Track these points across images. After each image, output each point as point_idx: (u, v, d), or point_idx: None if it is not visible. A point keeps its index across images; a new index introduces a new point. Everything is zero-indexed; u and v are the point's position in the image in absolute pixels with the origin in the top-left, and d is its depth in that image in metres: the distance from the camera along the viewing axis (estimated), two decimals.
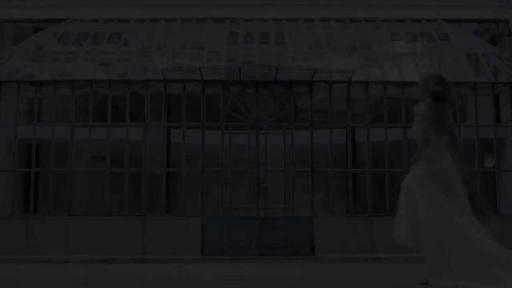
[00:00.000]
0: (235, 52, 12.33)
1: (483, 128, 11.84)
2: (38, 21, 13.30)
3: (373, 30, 12.89)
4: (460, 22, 13.25)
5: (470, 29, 13.29)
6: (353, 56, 12.36)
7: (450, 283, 4.70)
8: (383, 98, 11.80)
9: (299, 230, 11.19)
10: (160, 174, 11.59)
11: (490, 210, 11.70)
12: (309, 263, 10.57)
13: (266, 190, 11.35)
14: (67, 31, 12.87)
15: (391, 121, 11.94)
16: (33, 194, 11.41)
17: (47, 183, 11.47)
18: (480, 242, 4.80)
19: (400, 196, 5.57)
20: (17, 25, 13.42)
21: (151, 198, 11.54)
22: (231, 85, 11.77)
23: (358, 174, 12.21)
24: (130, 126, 11.67)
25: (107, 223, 11.10)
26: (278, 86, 11.79)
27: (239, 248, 11.10)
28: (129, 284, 5.86)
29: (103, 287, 5.51)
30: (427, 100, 5.33)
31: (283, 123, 11.73)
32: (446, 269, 4.82)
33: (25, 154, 12.45)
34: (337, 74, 11.77)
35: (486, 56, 12.23)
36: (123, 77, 11.76)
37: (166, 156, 11.79)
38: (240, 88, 11.77)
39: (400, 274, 7.35)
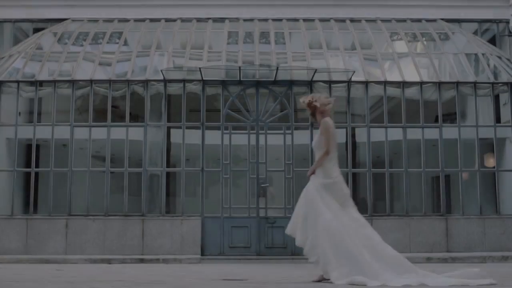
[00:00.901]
0: (235, 52, 12.34)
1: (483, 128, 11.84)
2: (38, 21, 13.32)
3: (373, 30, 12.90)
4: (460, 22, 13.25)
5: (470, 29, 13.29)
6: (353, 56, 12.36)
7: (347, 279, 5.35)
8: (383, 98, 11.80)
9: None
10: (160, 174, 11.59)
11: (490, 210, 11.72)
12: (309, 263, 10.53)
13: (266, 190, 11.35)
14: (67, 31, 12.87)
15: (391, 121, 11.94)
16: (33, 194, 11.42)
17: (47, 183, 11.47)
18: (371, 245, 5.62)
19: (298, 203, 6.04)
20: (17, 25, 13.42)
21: (151, 198, 11.54)
22: (231, 85, 11.77)
23: (358, 174, 12.22)
24: (130, 126, 11.67)
25: (107, 223, 11.11)
26: (278, 86, 11.79)
27: (239, 248, 11.11)
28: (129, 284, 5.85)
29: (103, 287, 5.51)
30: (329, 118, 5.88)
31: (283, 123, 11.73)
32: (342, 267, 5.44)
33: (25, 154, 12.46)
34: (337, 74, 11.78)
35: (486, 56, 12.23)
36: (123, 77, 11.76)
37: (166, 156, 11.79)
38: (240, 88, 11.77)
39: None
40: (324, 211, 5.69)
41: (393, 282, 5.29)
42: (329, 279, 5.55)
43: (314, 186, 5.92)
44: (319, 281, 5.74)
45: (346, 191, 5.96)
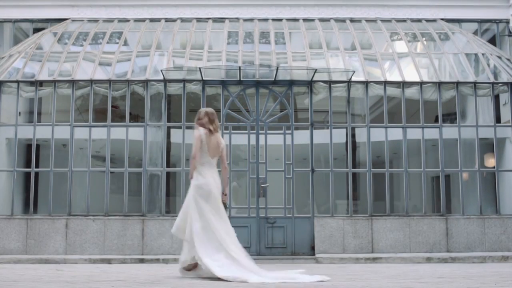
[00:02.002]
0: (235, 52, 12.34)
1: (483, 128, 11.85)
2: (38, 21, 13.32)
3: (373, 30, 12.90)
4: (460, 22, 13.26)
5: (470, 29, 13.30)
6: (353, 56, 12.37)
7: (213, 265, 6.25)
8: (383, 98, 11.81)
9: (299, 230, 11.20)
10: (160, 174, 11.59)
11: (490, 210, 11.73)
12: (309, 263, 10.57)
13: (266, 190, 11.35)
14: (67, 31, 12.88)
15: (391, 121, 11.95)
16: (33, 194, 11.42)
17: (47, 183, 11.47)
18: (225, 239, 6.46)
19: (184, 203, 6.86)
20: (17, 25, 13.43)
21: (151, 198, 11.54)
22: (231, 85, 11.78)
23: (358, 174, 12.22)
24: (130, 126, 11.67)
25: (107, 223, 11.11)
26: (278, 86, 11.80)
27: None
28: (129, 284, 5.85)
29: (103, 287, 5.51)
30: (202, 129, 6.78)
31: (283, 123, 11.74)
32: (206, 254, 6.36)
33: (25, 154, 12.47)
34: (337, 74, 11.78)
35: (486, 56, 12.23)
36: (123, 77, 11.77)
37: (166, 156, 11.79)
38: (240, 88, 11.77)
39: (399, 274, 7.35)
40: (195, 212, 6.55)
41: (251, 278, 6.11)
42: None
43: (191, 188, 6.73)
44: (190, 268, 6.65)
45: (215, 194, 6.66)
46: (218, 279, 6.19)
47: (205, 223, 6.50)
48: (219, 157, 6.89)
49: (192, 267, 6.65)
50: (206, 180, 6.64)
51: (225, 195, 6.89)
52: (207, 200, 6.60)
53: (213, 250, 6.38)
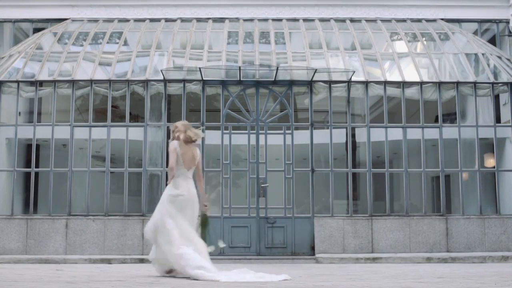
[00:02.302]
0: (235, 52, 12.34)
1: (483, 128, 11.85)
2: (38, 21, 13.32)
3: (373, 30, 12.90)
4: (460, 22, 13.26)
5: (470, 29, 13.30)
6: (353, 56, 12.37)
7: (195, 273, 6.35)
8: (383, 98, 11.81)
9: (299, 230, 11.20)
10: (160, 174, 11.59)
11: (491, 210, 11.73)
12: (309, 263, 10.57)
13: (266, 190, 11.35)
14: (67, 31, 12.88)
15: (391, 121, 11.95)
16: (33, 194, 11.42)
17: (47, 183, 11.47)
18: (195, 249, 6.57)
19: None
20: (17, 25, 13.43)
21: (151, 198, 11.54)
22: (231, 85, 11.78)
23: (358, 174, 12.22)
24: (130, 126, 11.67)
25: (107, 223, 11.11)
26: (278, 86, 11.80)
27: (239, 248, 11.12)
28: (129, 284, 5.86)
29: (103, 287, 5.51)
30: (179, 141, 6.93)
31: (283, 123, 11.74)
32: (182, 262, 6.49)
33: (25, 154, 12.47)
34: (337, 74, 11.78)
35: (486, 56, 12.23)
36: (123, 77, 11.77)
37: (166, 156, 11.79)
38: (240, 88, 11.78)
39: (399, 274, 7.35)
40: (167, 217, 6.71)
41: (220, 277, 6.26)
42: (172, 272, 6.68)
43: (165, 195, 6.91)
44: (169, 272, 6.80)
45: (187, 206, 6.82)
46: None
47: (177, 230, 6.66)
48: (194, 168, 7.03)
49: (170, 270, 6.83)
50: (179, 192, 6.81)
51: (205, 206, 7.07)
52: (180, 211, 6.75)
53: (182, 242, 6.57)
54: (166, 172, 11.71)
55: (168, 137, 11.99)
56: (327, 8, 13.28)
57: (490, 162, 12.59)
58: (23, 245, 10.97)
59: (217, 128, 11.69)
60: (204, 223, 7.14)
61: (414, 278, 6.62)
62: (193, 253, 6.51)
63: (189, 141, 6.96)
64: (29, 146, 11.98)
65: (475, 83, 11.74)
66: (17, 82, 11.70)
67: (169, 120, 11.77)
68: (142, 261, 10.37)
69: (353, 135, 12.30)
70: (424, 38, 12.87)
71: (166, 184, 6.99)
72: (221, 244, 7.74)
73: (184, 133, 6.95)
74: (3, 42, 13.35)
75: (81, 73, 11.85)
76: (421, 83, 11.72)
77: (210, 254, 6.82)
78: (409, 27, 13.03)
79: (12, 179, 11.57)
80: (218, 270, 6.41)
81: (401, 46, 12.82)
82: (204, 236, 7.01)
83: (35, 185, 11.60)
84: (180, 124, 7.13)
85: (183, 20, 13.18)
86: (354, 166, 11.93)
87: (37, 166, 11.54)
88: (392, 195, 12.26)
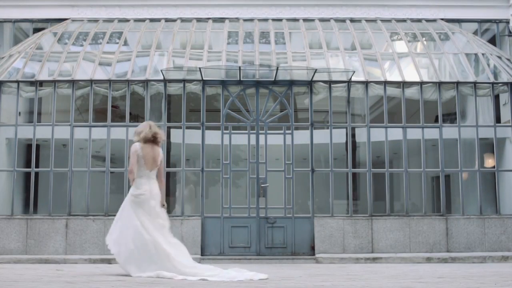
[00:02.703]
0: (235, 52, 12.34)
1: (483, 128, 11.85)
2: (38, 21, 13.32)
3: (373, 30, 12.90)
4: (460, 22, 13.26)
5: (470, 29, 13.30)
6: (353, 56, 12.37)
7: (153, 273, 6.56)
8: (383, 98, 11.81)
9: (299, 230, 11.21)
10: None
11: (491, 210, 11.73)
12: (309, 263, 10.58)
13: (266, 190, 11.36)
14: (67, 31, 12.88)
15: (391, 121, 11.95)
16: (33, 194, 11.41)
17: (47, 183, 11.47)
18: (163, 248, 6.74)
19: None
20: (17, 25, 13.43)
21: None
22: (231, 85, 11.78)
23: (358, 174, 12.22)
24: (130, 126, 11.67)
25: (107, 223, 11.09)
26: (278, 86, 11.80)
27: (239, 248, 11.12)
28: (129, 284, 5.85)
29: (103, 287, 5.51)
30: (140, 142, 7.04)
31: (283, 123, 11.74)
32: (144, 265, 6.72)
33: (25, 154, 12.47)
34: (337, 74, 11.78)
35: (486, 56, 12.23)
36: (123, 77, 11.77)
37: (166, 156, 11.78)
38: (240, 88, 11.78)
39: (399, 274, 7.35)
40: (132, 218, 6.90)
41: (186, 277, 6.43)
42: (132, 275, 6.71)
43: (128, 196, 7.08)
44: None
45: (153, 204, 7.00)
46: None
47: (138, 234, 6.84)
48: (157, 168, 7.16)
49: None
50: (141, 192, 6.96)
51: (163, 205, 7.20)
52: (145, 210, 6.93)
53: (144, 258, 6.74)
54: (167, 172, 11.76)
55: (168, 137, 12.02)
56: (327, 8, 13.28)
57: (490, 162, 12.59)
58: (23, 245, 10.97)
59: (217, 128, 11.70)
60: None
61: (414, 278, 6.62)
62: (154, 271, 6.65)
63: (148, 140, 7.02)
64: (29, 146, 11.98)
65: (475, 83, 11.74)
66: (17, 82, 11.70)
67: (169, 120, 11.78)
68: None
69: (353, 135, 12.31)
70: (424, 38, 12.87)
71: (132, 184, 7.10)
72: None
73: (145, 134, 7.04)
74: (3, 42, 13.35)
75: (81, 73, 11.85)
76: (421, 83, 11.72)
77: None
78: (409, 27, 13.03)
79: (12, 179, 11.57)
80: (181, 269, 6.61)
81: (401, 46, 12.82)
82: None
83: (35, 185, 11.60)
84: (143, 124, 7.24)
85: (183, 20, 13.18)
86: (354, 166, 11.93)
87: (37, 166, 11.54)
88: (392, 195, 12.26)
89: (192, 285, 5.72)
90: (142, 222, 6.85)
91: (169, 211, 12.10)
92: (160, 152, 7.15)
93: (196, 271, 6.55)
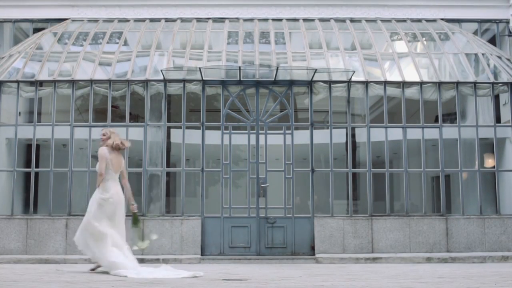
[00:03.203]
0: (235, 52, 12.34)
1: (483, 128, 11.85)
2: (38, 21, 13.32)
3: (373, 30, 12.90)
4: (460, 22, 13.26)
5: (470, 29, 13.30)
6: (353, 56, 12.37)
7: (114, 272, 7.03)
8: (383, 98, 11.81)
9: (299, 230, 11.21)
10: (160, 174, 11.59)
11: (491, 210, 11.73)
12: (309, 263, 10.58)
13: (266, 190, 11.36)
14: (67, 31, 12.88)
15: (391, 121, 11.95)
16: (33, 194, 11.41)
17: (47, 183, 11.47)
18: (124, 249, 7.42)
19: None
20: (17, 25, 13.43)
21: (151, 198, 11.54)
22: (231, 85, 11.78)
23: (358, 174, 12.22)
24: (130, 126, 11.67)
25: None
26: (278, 86, 11.80)
27: (239, 248, 11.12)
28: (129, 284, 5.86)
29: (103, 287, 5.51)
30: (108, 147, 7.62)
31: (283, 123, 11.74)
32: (110, 263, 7.17)
33: (25, 154, 12.47)
34: (337, 74, 11.78)
35: (486, 56, 12.23)
36: (123, 77, 11.77)
37: (166, 156, 11.80)
38: (240, 88, 11.78)
39: (399, 274, 7.35)
40: (94, 219, 7.37)
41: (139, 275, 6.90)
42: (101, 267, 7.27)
43: (94, 198, 7.58)
44: (95, 268, 7.52)
45: (117, 207, 7.54)
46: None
47: (103, 231, 7.33)
48: (120, 172, 7.74)
49: (96, 267, 7.52)
50: (110, 195, 7.48)
51: (133, 205, 7.81)
52: (110, 213, 7.45)
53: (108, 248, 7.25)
54: (166, 172, 11.80)
55: (168, 137, 12.02)
56: (327, 8, 13.28)
57: (490, 162, 12.59)
58: (23, 245, 10.96)
59: (217, 128, 11.70)
60: (135, 221, 7.93)
61: (414, 278, 6.62)
62: (121, 256, 7.23)
63: (117, 148, 7.67)
64: (29, 146, 11.97)
65: (475, 83, 11.74)
66: (17, 82, 11.70)
67: (169, 120, 11.78)
68: (142, 261, 10.35)
69: (353, 135, 12.30)
70: (424, 38, 12.87)
71: (98, 186, 7.55)
72: (154, 237, 8.92)
73: (114, 141, 7.64)
74: (3, 42, 13.35)
75: (81, 73, 11.85)
76: (421, 83, 11.72)
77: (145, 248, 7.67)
78: (409, 27, 13.03)
79: (12, 179, 11.57)
80: (136, 268, 7.18)
81: (401, 46, 12.82)
82: (137, 232, 7.78)
83: (35, 185, 11.59)
84: (110, 132, 7.79)
85: (183, 20, 13.18)
86: (354, 166, 11.93)
87: (37, 166, 11.54)
88: (392, 195, 12.26)
89: (192, 285, 5.72)
90: (102, 225, 7.36)
91: (169, 211, 12.14)
92: (122, 157, 7.84)
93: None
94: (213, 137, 11.67)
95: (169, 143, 12.25)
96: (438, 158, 11.56)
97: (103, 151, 7.59)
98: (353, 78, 11.65)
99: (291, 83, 11.76)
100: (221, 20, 13.22)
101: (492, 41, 13.29)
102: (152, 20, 13.14)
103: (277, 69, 11.46)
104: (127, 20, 13.14)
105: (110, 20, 13.16)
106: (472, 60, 12.34)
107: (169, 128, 11.96)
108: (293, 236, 11.18)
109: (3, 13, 13.10)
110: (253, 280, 6.34)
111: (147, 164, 11.43)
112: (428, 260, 10.40)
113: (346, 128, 12.02)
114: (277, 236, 11.18)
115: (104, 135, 7.75)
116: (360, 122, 12.49)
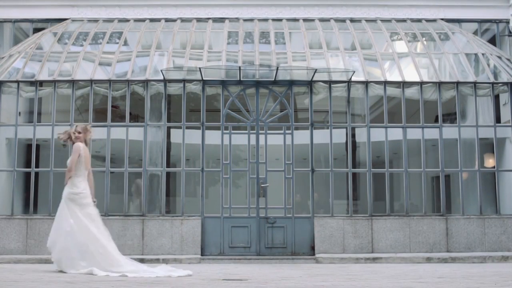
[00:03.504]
0: (235, 52, 12.34)
1: (483, 128, 11.85)
2: (38, 21, 13.32)
3: (373, 30, 12.90)
4: (460, 22, 13.26)
5: (470, 29, 13.30)
6: (353, 56, 12.37)
7: (85, 270, 7.09)
8: (383, 98, 11.81)
9: (299, 230, 11.21)
10: (160, 174, 11.59)
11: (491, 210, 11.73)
12: (309, 263, 10.58)
13: (266, 190, 11.35)
14: (67, 31, 12.88)
15: (391, 121, 11.95)
16: (33, 194, 11.41)
17: (47, 183, 11.47)
18: (102, 244, 7.37)
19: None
20: (17, 25, 13.43)
21: (151, 198, 11.54)
22: (231, 85, 11.78)
23: (358, 174, 12.22)
24: (130, 126, 11.67)
25: (107, 223, 11.06)
26: (278, 86, 11.80)
27: (239, 248, 11.12)
28: (129, 284, 5.86)
29: (103, 287, 5.51)
30: (81, 143, 7.75)
31: (283, 123, 11.74)
32: (81, 261, 7.21)
33: (25, 154, 12.46)
34: (337, 74, 11.78)
35: (486, 56, 12.23)
36: (123, 77, 11.77)
37: (166, 156, 11.80)
38: (240, 88, 11.78)
39: (399, 274, 7.35)
40: (67, 217, 7.40)
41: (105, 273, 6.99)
42: (66, 272, 7.20)
43: (64, 195, 7.63)
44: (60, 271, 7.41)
45: (89, 201, 7.66)
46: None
47: (76, 227, 7.40)
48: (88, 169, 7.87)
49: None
50: (80, 190, 7.64)
51: (94, 201, 7.85)
52: (82, 208, 7.55)
53: (78, 256, 7.26)
54: (166, 172, 11.79)
55: (168, 137, 12.02)
56: (327, 8, 13.29)
57: (490, 162, 12.59)
58: (23, 245, 10.96)
59: (217, 128, 11.70)
60: None
61: (414, 278, 6.62)
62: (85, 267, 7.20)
63: (86, 143, 7.86)
64: (29, 146, 11.97)
65: (475, 83, 11.74)
66: (17, 82, 11.70)
67: (169, 120, 11.78)
68: (142, 261, 10.34)
69: (353, 135, 12.30)
70: (424, 38, 12.87)
71: (66, 184, 7.68)
72: None
73: (85, 136, 7.82)
74: (3, 42, 13.35)
75: (81, 73, 11.85)
76: (421, 83, 11.72)
77: None
78: (409, 27, 13.03)
79: (12, 179, 11.57)
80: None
81: (401, 46, 12.82)
82: None
83: (35, 185, 11.59)
84: (81, 127, 7.88)
85: (183, 20, 13.18)
86: (354, 166, 11.93)
87: (37, 166, 11.54)
88: (392, 195, 12.26)
89: (192, 285, 5.72)
90: (77, 220, 7.41)
91: (169, 211, 12.13)
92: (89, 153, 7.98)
93: (119, 269, 7.09)
94: (213, 137, 11.67)
95: (169, 143, 12.25)
96: (438, 158, 11.56)
97: (78, 146, 7.73)
98: (353, 78, 11.65)
99: (291, 83, 11.76)
100: (221, 20, 13.22)
101: (492, 41, 13.29)
102: (152, 20, 13.14)
103: (277, 69, 11.46)
104: (127, 20, 13.14)
105: (110, 20, 13.16)
106: (472, 60, 12.34)
107: (169, 128, 11.96)
108: (293, 236, 11.18)
109: (3, 13, 13.10)
110: (253, 280, 6.34)
111: (147, 164, 11.43)
112: (428, 260, 10.40)
113: (346, 128, 12.02)
114: (277, 236, 11.18)
115: (79, 132, 7.84)
116: (360, 122, 12.49)
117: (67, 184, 7.67)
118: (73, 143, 7.82)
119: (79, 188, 7.63)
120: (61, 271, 7.26)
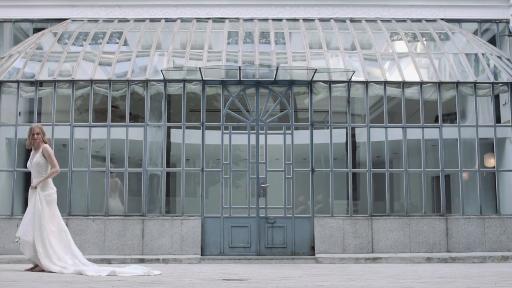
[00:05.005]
0: (235, 52, 12.35)
1: (483, 128, 11.85)
2: (38, 21, 13.32)
3: (373, 30, 12.91)
4: (460, 22, 13.27)
5: (470, 29, 13.30)
6: (353, 56, 12.37)
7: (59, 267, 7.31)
8: (383, 98, 11.81)
9: (299, 230, 11.21)
10: (160, 174, 11.59)
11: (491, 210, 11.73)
12: (309, 263, 10.58)
13: (266, 190, 11.35)
14: (67, 31, 12.88)
15: (391, 121, 11.95)
16: None
17: None
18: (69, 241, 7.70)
19: (28, 209, 7.79)
20: (17, 25, 13.43)
21: (151, 198, 11.54)
22: (231, 85, 11.78)
23: (358, 174, 12.23)
24: (130, 126, 11.67)
25: (107, 223, 11.11)
26: (278, 86, 11.80)
27: (239, 248, 11.12)
28: (129, 284, 5.86)
29: (103, 287, 5.51)
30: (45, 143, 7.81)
31: (283, 123, 11.74)
32: (56, 258, 7.44)
33: (25, 154, 12.45)
34: (337, 74, 11.78)
35: (486, 56, 12.24)
36: (123, 77, 11.77)
37: (166, 156, 11.80)
38: (240, 88, 11.78)
39: (399, 274, 7.35)
40: (46, 218, 7.59)
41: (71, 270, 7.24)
42: (43, 270, 7.37)
43: (40, 197, 7.67)
44: (32, 268, 7.60)
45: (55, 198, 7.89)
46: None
47: (58, 227, 7.70)
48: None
49: (35, 267, 7.59)
50: (54, 191, 7.87)
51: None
52: (55, 207, 7.80)
53: (62, 252, 7.52)
54: (166, 172, 11.78)
55: (168, 137, 12.02)
56: (327, 8, 13.29)
57: (490, 162, 12.59)
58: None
59: (217, 128, 11.70)
60: None
61: (414, 278, 6.62)
62: (69, 260, 7.45)
63: (45, 142, 7.86)
64: None
65: (475, 83, 11.74)
66: (17, 82, 11.70)
67: (169, 120, 11.78)
68: (142, 261, 10.37)
69: (353, 135, 12.31)
70: (424, 38, 12.87)
71: (35, 187, 7.70)
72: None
73: (42, 136, 7.84)
74: (3, 42, 13.35)
75: (81, 73, 11.85)
76: (421, 83, 11.72)
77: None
78: (409, 27, 13.03)
79: (12, 179, 11.57)
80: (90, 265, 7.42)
81: (401, 46, 12.83)
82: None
83: None
84: (39, 127, 7.86)
85: (183, 20, 13.19)
86: (354, 166, 11.93)
87: None
88: (392, 195, 12.26)
89: (192, 285, 5.73)
90: (55, 219, 7.69)
91: (169, 211, 12.13)
92: None
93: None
94: (213, 137, 11.67)
95: (169, 143, 12.25)
96: (438, 158, 11.56)
97: (49, 148, 7.81)
98: (353, 78, 11.66)
99: (291, 83, 11.76)
100: (221, 20, 13.22)
101: (492, 41, 13.29)
102: (152, 20, 13.15)
103: (277, 69, 11.46)
104: (127, 20, 13.15)
105: (110, 20, 13.16)
106: (472, 60, 12.35)
107: (169, 128, 11.96)
108: (293, 236, 11.18)
109: (3, 13, 13.11)
110: (253, 280, 6.34)
111: (147, 164, 11.43)
112: (428, 260, 10.40)
113: (346, 128, 12.03)
114: (277, 236, 11.18)
115: (38, 133, 7.78)
116: (360, 122, 12.49)
117: (37, 187, 7.68)
118: (34, 145, 7.82)
119: (53, 188, 7.89)
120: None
